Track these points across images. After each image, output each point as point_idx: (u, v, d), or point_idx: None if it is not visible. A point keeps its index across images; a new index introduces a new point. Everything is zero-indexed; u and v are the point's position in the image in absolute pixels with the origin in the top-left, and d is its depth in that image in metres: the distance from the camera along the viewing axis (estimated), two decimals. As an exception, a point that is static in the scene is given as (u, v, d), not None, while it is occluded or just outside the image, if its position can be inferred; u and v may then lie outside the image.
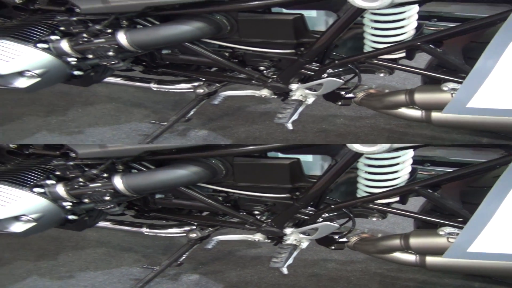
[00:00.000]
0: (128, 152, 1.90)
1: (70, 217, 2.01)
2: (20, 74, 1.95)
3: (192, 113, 2.28)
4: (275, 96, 2.09)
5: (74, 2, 1.91)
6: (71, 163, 1.94)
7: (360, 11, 1.84)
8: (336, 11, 1.94)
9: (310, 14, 1.97)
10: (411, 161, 1.91)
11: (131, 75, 2.33)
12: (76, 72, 2.04)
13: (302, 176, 1.92)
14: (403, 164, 1.89)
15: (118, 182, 1.92)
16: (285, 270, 1.96)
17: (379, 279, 2.23)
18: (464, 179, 1.82)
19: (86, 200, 1.96)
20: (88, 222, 2.06)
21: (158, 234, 2.23)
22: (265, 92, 2.07)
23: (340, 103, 2.06)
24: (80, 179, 1.94)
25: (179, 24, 1.94)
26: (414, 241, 1.86)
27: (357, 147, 1.74)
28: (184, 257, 2.23)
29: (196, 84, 2.20)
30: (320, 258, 2.34)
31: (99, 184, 1.94)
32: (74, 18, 1.94)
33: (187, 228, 2.16)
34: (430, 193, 1.81)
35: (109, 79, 2.26)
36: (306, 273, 2.27)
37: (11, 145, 2.04)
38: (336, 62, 1.96)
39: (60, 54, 1.98)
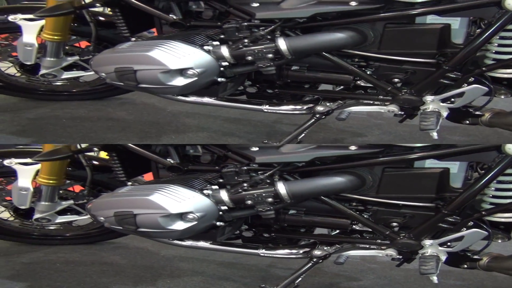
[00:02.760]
0: (300, 157, 1.93)
1: (218, 223, 1.99)
2: (181, 73, 2.03)
3: (305, 133, 2.20)
4: (401, 112, 2.05)
5: (250, 11, 2.01)
6: (244, 168, 1.96)
7: None
8: (487, 18, 1.91)
9: (452, 26, 1.96)
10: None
11: (237, 98, 2.30)
12: (219, 79, 2.10)
13: (448, 186, 1.89)
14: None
15: (282, 188, 1.94)
16: (435, 279, 1.93)
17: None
18: None
19: (249, 202, 1.95)
20: (219, 234, 2.04)
21: (276, 256, 2.14)
22: (392, 107, 2.05)
23: (468, 122, 2.04)
24: (245, 184, 1.95)
25: (333, 32, 2.01)
26: None
27: (519, 151, 1.74)
28: (301, 278, 2.11)
29: (310, 105, 2.18)
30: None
31: (262, 189, 1.94)
32: (245, 24, 2.02)
33: (308, 249, 2.10)
34: None
35: (218, 102, 2.23)
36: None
37: (171, 161, 2.06)
38: (484, 69, 1.92)
39: (218, 58, 2.05)
